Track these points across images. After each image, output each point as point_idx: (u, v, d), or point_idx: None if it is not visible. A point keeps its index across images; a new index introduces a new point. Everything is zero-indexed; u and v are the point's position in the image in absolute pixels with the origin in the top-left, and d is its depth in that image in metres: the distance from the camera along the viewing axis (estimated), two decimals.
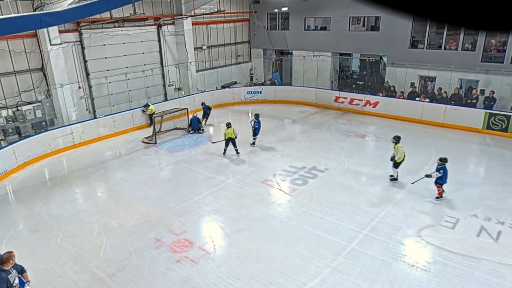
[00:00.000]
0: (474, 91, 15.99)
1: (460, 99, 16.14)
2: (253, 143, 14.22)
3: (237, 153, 13.31)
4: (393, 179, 11.00)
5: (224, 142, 13.38)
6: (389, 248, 7.99)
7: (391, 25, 18.14)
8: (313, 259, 7.70)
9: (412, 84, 17.84)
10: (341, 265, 7.48)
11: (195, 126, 16.20)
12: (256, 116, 14.07)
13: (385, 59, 19.44)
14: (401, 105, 17.13)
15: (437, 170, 9.84)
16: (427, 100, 16.74)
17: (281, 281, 7.11)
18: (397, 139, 10.84)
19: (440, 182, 9.87)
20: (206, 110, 17.27)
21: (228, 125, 13.18)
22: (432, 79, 17.64)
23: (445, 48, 17.07)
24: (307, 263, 7.58)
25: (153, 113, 16.38)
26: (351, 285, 6.96)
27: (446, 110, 15.74)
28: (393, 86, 18.18)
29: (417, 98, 17.08)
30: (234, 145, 13.23)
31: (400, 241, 8.24)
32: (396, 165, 10.83)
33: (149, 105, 16.90)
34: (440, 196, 10.01)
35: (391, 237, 8.34)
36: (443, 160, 9.86)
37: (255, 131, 14.02)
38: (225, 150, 13.38)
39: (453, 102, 15.99)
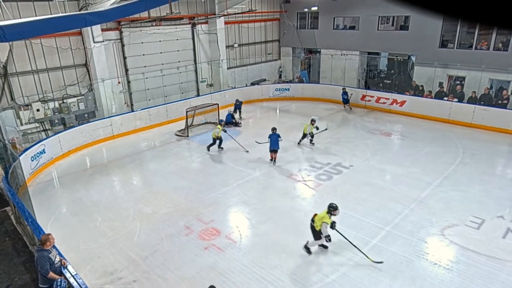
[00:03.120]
0: (504, 91, 15.51)
1: (490, 100, 15.72)
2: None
3: (311, 143, 14.09)
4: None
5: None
6: (412, 245, 7.97)
7: (420, 25, 17.88)
8: (336, 252, 7.81)
9: (441, 84, 17.52)
10: (363, 260, 7.51)
11: (228, 120, 16.77)
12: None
13: (413, 58, 19.15)
14: (428, 104, 16.92)
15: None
16: (456, 100, 16.41)
17: (303, 272, 7.27)
18: None
19: (270, 148, 12.20)
20: (238, 105, 17.83)
21: (312, 121, 13.75)
22: (462, 79, 17.26)
23: (476, 48, 16.68)
24: (329, 256, 7.71)
25: (217, 137, 13.65)
26: (372, 280, 7.01)
27: (475, 110, 15.42)
28: (422, 86, 17.92)
29: (445, 98, 16.78)
30: (303, 138, 14.10)
31: (423, 239, 8.19)
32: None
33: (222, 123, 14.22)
34: (271, 159, 12.44)
35: (414, 235, 8.32)
36: (272, 129, 12.25)
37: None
38: (310, 140, 14.14)
39: (482, 103, 15.61)
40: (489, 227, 8.60)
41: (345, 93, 18.68)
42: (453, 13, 0.79)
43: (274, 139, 12.16)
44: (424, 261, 7.57)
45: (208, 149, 13.90)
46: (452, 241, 8.14)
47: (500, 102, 15.48)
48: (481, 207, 9.43)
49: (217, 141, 13.78)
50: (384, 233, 8.49)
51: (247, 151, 13.49)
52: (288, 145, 14.23)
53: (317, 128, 13.79)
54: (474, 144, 13.73)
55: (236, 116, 17.50)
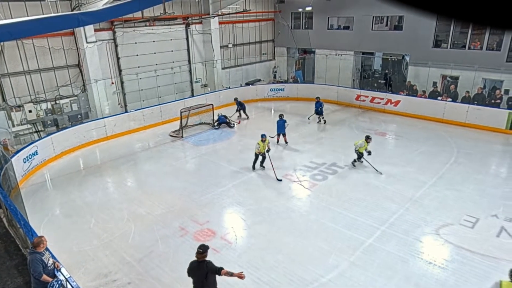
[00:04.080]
0: (498, 91, 15.62)
1: (484, 99, 15.84)
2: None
3: (375, 169, 11.62)
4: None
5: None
6: (407, 245, 8.00)
7: (414, 25, 17.99)
8: (331, 252, 7.81)
9: (434, 84, 17.63)
10: (359, 260, 7.56)
11: (222, 120, 16.72)
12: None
13: (407, 58, 19.26)
14: (422, 104, 17.01)
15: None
16: (449, 99, 16.53)
17: (299, 272, 7.26)
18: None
19: (277, 132, 14.09)
20: (238, 105, 17.69)
21: (368, 139, 11.70)
22: (455, 78, 17.36)
23: (469, 48, 16.81)
24: (325, 256, 7.71)
25: (262, 152, 11.73)
26: (368, 279, 7.03)
27: (468, 110, 15.53)
28: (415, 85, 18.03)
29: (439, 98, 16.89)
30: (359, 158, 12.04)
31: (418, 239, 8.23)
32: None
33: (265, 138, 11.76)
34: (277, 142, 14.25)
35: (409, 234, 8.36)
36: (279, 116, 14.00)
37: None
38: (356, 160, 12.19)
39: (476, 102, 15.73)
40: (483, 226, 8.66)
41: (319, 103, 16.50)
42: (446, 13, 0.79)
43: (281, 124, 13.87)
44: (419, 260, 7.60)
45: (253, 168, 12.04)
46: (447, 240, 8.18)
47: (493, 101, 15.59)
48: (475, 206, 9.48)
49: (260, 157, 11.93)
50: (379, 232, 8.51)
51: (280, 180, 11.33)
52: (282, 144, 14.25)
53: (370, 153, 11.64)
54: (468, 143, 13.81)
55: (233, 117, 17.34)
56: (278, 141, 14.25)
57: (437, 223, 8.83)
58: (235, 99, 17.96)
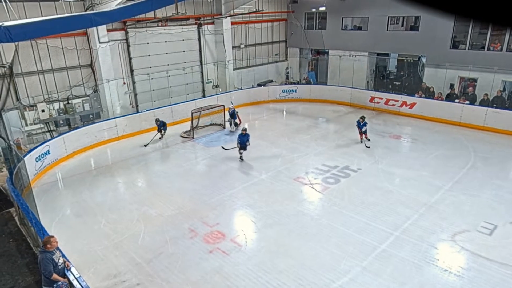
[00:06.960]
0: None
1: (503, 102, 15.41)
2: None
3: None
4: None
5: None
6: (421, 251, 7.81)
7: (431, 25, 17.63)
8: (343, 257, 7.67)
9: (452, 86, 17.22)
10: (371, 265, 7.41)
11: (234, 117, 16.37)
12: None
13: (423, 59, 18.88)
14: (439, 106, 16.64)
15: (362, 126, 14.07)
16: (467, 102, 16.12)
17: (309, 277, 7.14)
18: None
19: (364, 131, 14.13)
20: (160, 126, 15.37)
21: None
22: (473, 80, 16.92)
23: (488, 49, 16.38)
24: (336, 261, 7.57)
25: None
26: (380, 286, 6.88)
27: (487, 113, 15.10)
28: (432, 87, 17.65)
29: (456, 100, 16.50)
30: None
31: (433, 245, 8.04)
32: None
33: None
34: (365, 139, 14.25)
35: (424, 240, 8.16)
36: (363, 118, 14.09)
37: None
38: None
39: (495, 105, 15.29)
40: (502, 233, 8.41)
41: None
42: (465, 13, 0.77)
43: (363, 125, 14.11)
44: (434, 267, 7.41)
45: None
46: (463, 247, 7.96)
47: None
48: (493, 212, 9.21)
49: None
50: (393, 238, 8.33)
51: None
52: (294, 146, 14.09)
53: None
54: (486, 147, 13.44)
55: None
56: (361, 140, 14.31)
57: (453, 229, 8.59)
58: (156, 120, 15.27)
